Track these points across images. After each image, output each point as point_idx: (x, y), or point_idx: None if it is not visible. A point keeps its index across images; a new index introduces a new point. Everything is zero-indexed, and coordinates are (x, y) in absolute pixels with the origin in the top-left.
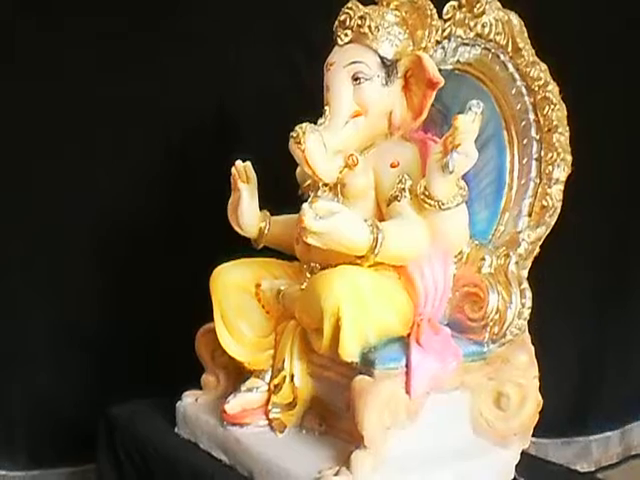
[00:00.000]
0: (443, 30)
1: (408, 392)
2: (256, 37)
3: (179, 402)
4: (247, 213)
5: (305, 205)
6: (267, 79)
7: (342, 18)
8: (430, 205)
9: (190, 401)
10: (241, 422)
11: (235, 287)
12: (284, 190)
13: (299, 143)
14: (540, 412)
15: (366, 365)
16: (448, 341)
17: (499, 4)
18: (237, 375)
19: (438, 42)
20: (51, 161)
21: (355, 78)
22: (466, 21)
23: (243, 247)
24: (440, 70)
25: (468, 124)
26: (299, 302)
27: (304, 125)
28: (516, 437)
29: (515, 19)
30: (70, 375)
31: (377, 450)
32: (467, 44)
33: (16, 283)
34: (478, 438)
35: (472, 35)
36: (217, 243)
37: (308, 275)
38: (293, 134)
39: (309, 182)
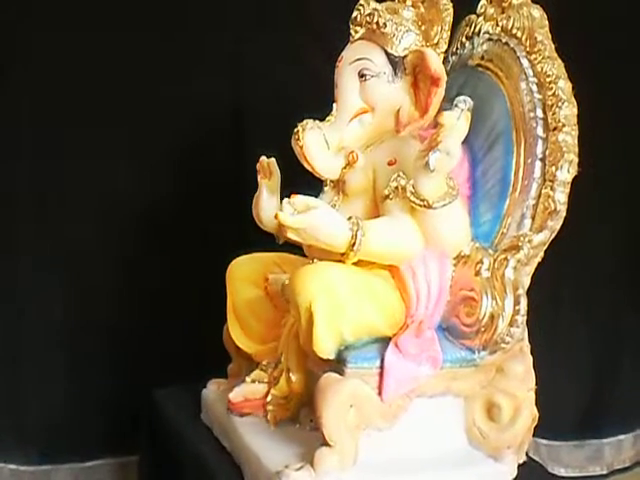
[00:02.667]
0: (476, 25)
1: (380, 393)
2: (271, 32)
3: (204, 389)
4: (266, 209)
5: (284, 200)
6: (282, 75)
7: (354, 15)
8: (416, 204)
9: (213, 389)
10: (242, 411)
11: (246, 280)
12: (305, 186)
13: (298, 139)
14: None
15: (339, 362)
16: (430, 345)
17: None
18: (257, 366)
19: (469, 38)
20: (63, 156)
21: (361, 75)
22: (494, 16)
23: (265, 242)
24: (466, 66)
25: (452, 120)
26: None
27: (305, 122)
28: (509, 450)
29: (537, 12)
30: (79, 372)
31: (343, 449)
32: (492, 39)
33: (32, 281)
34: (473, 449)
35: (498, 30)
36: (238, 239)
37: None
38: (294, 130)
39: None
